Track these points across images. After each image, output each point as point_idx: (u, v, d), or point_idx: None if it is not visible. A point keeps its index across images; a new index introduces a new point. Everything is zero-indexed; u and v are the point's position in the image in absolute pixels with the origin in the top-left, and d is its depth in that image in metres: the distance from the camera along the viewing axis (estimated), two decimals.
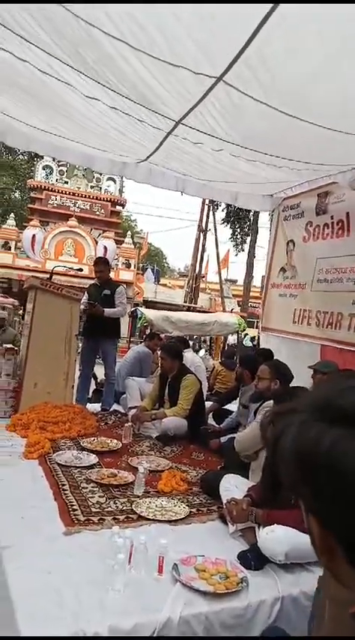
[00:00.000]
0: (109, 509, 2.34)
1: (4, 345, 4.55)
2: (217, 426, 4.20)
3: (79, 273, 10.90)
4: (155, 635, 1.53)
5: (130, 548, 1.81)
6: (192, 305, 16.90)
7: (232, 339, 13.84)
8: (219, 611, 1.65)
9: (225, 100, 2.61)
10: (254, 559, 1.91)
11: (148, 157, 3.96)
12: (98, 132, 3.61)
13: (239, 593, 1.73)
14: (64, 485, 2.58)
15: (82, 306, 4.65)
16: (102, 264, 5.04)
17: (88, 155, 4.45)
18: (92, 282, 5.16)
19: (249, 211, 21.89)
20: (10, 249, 19.47)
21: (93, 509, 2.31)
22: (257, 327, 8.26)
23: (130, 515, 2.29)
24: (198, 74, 2.37)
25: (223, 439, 3.59)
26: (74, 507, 2.30)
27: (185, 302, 18.00)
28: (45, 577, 1.70)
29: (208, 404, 4.64)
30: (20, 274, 17.68)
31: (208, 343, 14.07)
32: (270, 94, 2.46)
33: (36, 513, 2.20)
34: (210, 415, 4.56)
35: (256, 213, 20.90)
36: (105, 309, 4.65)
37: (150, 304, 16.47)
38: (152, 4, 1.89)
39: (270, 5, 1.74)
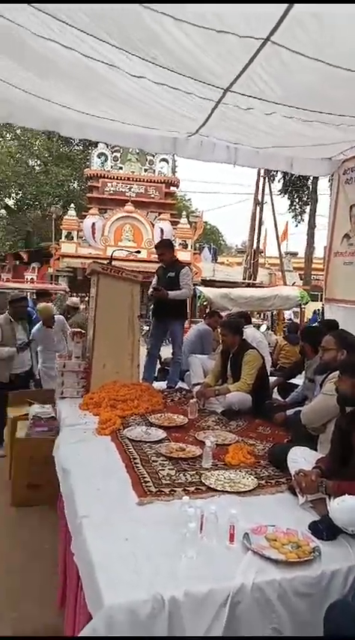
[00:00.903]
0: (179, 481, 2.41)
1: (72, 330, 4.77)
2: (282, 400, 4.15)
3: (138, 257, 11.14)
4: (229, 600, 1.57)
5: (201, 518, 1.85)
6: (252, 281, 16.61)
7: (289, 314, 13.50)
8: (292, 579, 1.66)
9: (274, 61, 2.50)
10: (325, 529, 1.89)
11: (198, 129, 3.91)
12: (147, 111, 3.61)
13: (311, 562, 1.72)
14: (135, 459, 2.68)
15: (151, 289, 4.76)
16: (162, 246, 5.07)
17: (139, 135, 4.46)
18: (159, 265, 5.19)
19: (307, 179, 20.98)
20: (72, 239, 20.22)
21: (164, 482, 2.39)
22: (321, 300, 8.00)
23: (200, 487, 2.34)
24: (244, 37, 2.29)
25: (289, 412, 3.54)
26: (146, 479, 2.39)
27: (244, 279, 17.74)
28: (121, 544, 1.80)
29: (273, 379, 4.59)
30: (83, 262, 18.34)
31: (270, 319, 13.79)
32: (322, 49, 2.31)
33: (110, 485, 2.31)
34: (275, 390, 4.51)
35: (315, 181, 19.98)
36: (169, 292, 4.67)
37: (208, 283, 16.40)
38: None
39: None
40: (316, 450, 2.60)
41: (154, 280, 4.88)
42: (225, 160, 4.74)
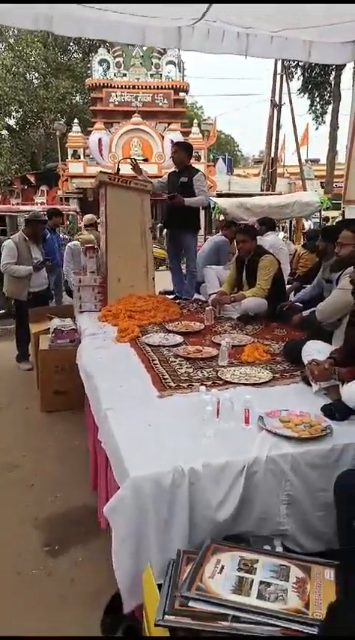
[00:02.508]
0: (197, 377, 2.52)
1: (85, 245, 4.75)
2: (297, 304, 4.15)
3: (148, 173, 10.64)
4: (245, 470, 1.70)
5: (217, 405, 1.96)
6: (270, 192, 15.92)
7: (308, 225, 13.10)
8: (305, 452, 1.78)
9: None
10: (338, 411, 1.98)
11: (204, 14, 3.54)
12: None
13: (323, 437, 1.83)
14: (154, 360, 2.79)
15: (158, 184, 4.61)
16: (177, 145, 4.87)
17: (141, 27, 4.09)
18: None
19: (329, 75, 19.25)
20: (79, 157, 19.43)
21: (183, 378, 2.50)
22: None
23: (216, 381, 2.45)
24: None
25: (305, 314, 3.57)
26: (165, 377, 2.51)
27: (262, 190, 17.00)
28: (144, 429, 1.93)
29: (290, 286, 4.57)
30: (93, 183, 17.76)
31: (288, 227, 13.41)
32: None
33: (132, 383, 2.43)
34: (292, 295, 4.50)
35: (337, 76, 18.34)
36: (185, 199, 4.51)
37: (224, 197, 15.82)
38: None
39: None
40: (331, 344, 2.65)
41: (163, 178, 4.71)
42: (236, 50, 4.34)
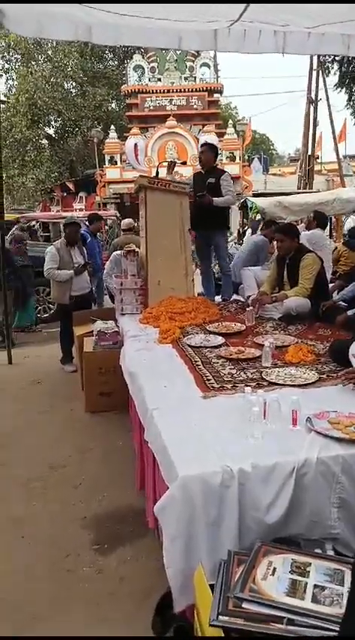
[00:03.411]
0: (241, 378, 2.51)
1: (125, 249, 4.83)
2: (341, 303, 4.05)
3: (183, 177, 10.74)
4: (295, 472, 1.68)
5: (264, 405, 1.94)
6: (308, 190, 15.63)
7: (348, 223, 12.74)
8: None
9: None
10: None
11: (241, 15, 3.54)
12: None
13: None
14: (197, 362, 2.80)
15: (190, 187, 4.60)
16: (204, 146, 4.91)
17: (176, 31, 4.14)
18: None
19: None
20: (116, 163, 19.78)
21: (226, 379, 2.50)
22: None
23: (261, 383, 2.42)
24: None
25: (350, 312, 3.48)
26: (208, 378, 2.51)
27: (298, 188, 16.70)
28: (191, 429, 1.94)
29: (332, 286, 4.47)
30: (130, 188, 18.02)
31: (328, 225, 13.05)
32: None
33: (175, 384, 2.45)
34: (335, 294, 4.40)
35: None
36: (213, 199, 4.55)
37: (261, 197, 15.65)
38: None
39: None
40: None
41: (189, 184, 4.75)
42: (273, 48, 4.32)
